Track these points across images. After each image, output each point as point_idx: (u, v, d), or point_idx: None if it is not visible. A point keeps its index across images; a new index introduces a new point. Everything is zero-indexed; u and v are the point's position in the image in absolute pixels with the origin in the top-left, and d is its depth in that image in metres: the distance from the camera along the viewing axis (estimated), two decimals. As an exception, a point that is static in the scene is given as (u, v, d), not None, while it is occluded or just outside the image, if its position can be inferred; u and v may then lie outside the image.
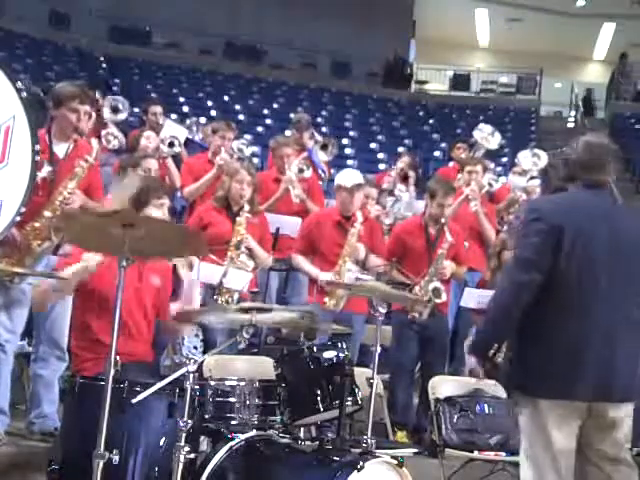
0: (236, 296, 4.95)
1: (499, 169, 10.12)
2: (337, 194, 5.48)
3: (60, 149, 4.31)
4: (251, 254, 5.12)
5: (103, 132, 6.50)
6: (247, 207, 5.12)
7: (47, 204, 4.14)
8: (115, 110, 6.90)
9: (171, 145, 6.41)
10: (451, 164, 8.34)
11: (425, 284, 5.38)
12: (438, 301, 5.38)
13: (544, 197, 3.34)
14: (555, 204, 3.20)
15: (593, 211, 3.12)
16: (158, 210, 3.42)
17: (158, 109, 7.21)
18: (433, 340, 5.48)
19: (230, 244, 5.03)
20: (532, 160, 7.96)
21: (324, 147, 7.45)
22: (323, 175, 7.37)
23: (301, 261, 5.44)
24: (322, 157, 7.44)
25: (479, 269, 6.44)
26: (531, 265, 3.00)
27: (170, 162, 6.46)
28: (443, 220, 5.52)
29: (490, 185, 6.94)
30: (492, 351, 3.10)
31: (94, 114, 4.67)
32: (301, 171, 6.53)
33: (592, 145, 3.21)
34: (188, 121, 8.23)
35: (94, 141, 4.48)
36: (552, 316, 3.03)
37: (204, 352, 4.65)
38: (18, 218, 3.91)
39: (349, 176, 5.53)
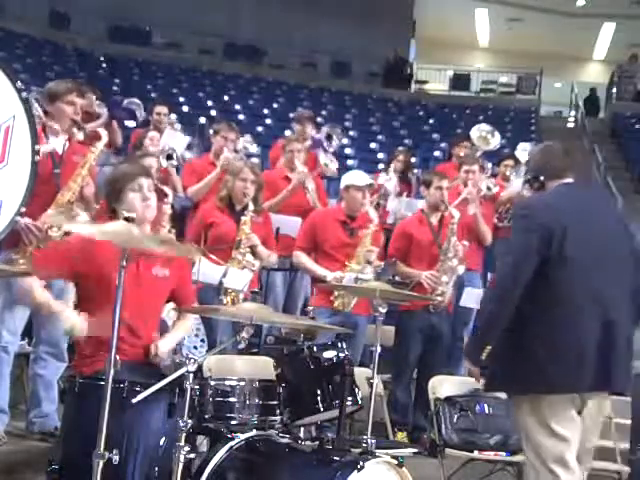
0: (241, 296, 4.93)
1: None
2: (345, 193, 5.45)
3: (58, 144, 4.31)
4: (255, 253, 5.12)
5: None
6: (252, 206, 5.11)
7: (62, 191, 4.16)
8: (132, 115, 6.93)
9: (169, 157, 6.38)
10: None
11: (442, 264, 5.43)
12: (460, 272, 5.48)
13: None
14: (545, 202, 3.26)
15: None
16: (136, 194, 3.28)
17: (163, 109, 7.21)
18: (437, 340, 5.48)
19: (235, 243, 5.03)
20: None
21: (328, 137, 7.42)
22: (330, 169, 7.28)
23: (304, 259, 5.43)
24: (328, 148, 7.43)
25: (477, 270, 6.44)
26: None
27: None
28: (443, 206, 5.58)
29: (489, 189, 6.93)
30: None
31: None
32: (326, 165, 6.62)
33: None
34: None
35: (102, 131, 4.52)
36: (550, 314, 3.09)
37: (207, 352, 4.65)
38: (18, 218, 3.92)
39: (359, 176, 5.56)
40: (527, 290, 3.07)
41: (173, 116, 7.70)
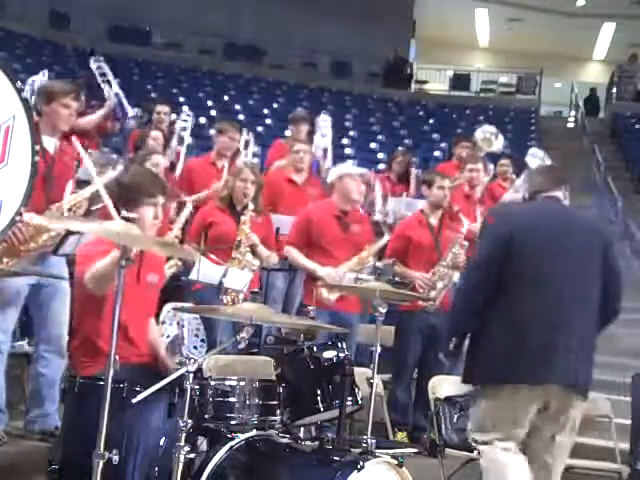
0: (241, 296, 4.93)
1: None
2: (339, 184, 5.39)
3: (49, 144, 4.31)
4: (255, 253, 5.11)
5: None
6: (251, 206, 5.11)
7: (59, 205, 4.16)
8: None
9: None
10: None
11: (439, 269, 5.43)
12: (456, 279, 5.45)
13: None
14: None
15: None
16: (150, 209, 3.34)
17: (164, 109, 7.17)
18: (437, 340, 5.46)
19: (235, 243, 5.03)
20: (539, 163, 7.93)
21: (325, 152, 7.43)
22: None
23: (295, 254, 5.41)
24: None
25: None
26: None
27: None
28: (446, 202, 5.57)
29: None
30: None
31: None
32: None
33: None
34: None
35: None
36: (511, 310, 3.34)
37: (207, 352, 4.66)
38: (18, 218, 3.91)
39: (350, 167, 5.58)
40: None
41: (173, 116, 7.61)
